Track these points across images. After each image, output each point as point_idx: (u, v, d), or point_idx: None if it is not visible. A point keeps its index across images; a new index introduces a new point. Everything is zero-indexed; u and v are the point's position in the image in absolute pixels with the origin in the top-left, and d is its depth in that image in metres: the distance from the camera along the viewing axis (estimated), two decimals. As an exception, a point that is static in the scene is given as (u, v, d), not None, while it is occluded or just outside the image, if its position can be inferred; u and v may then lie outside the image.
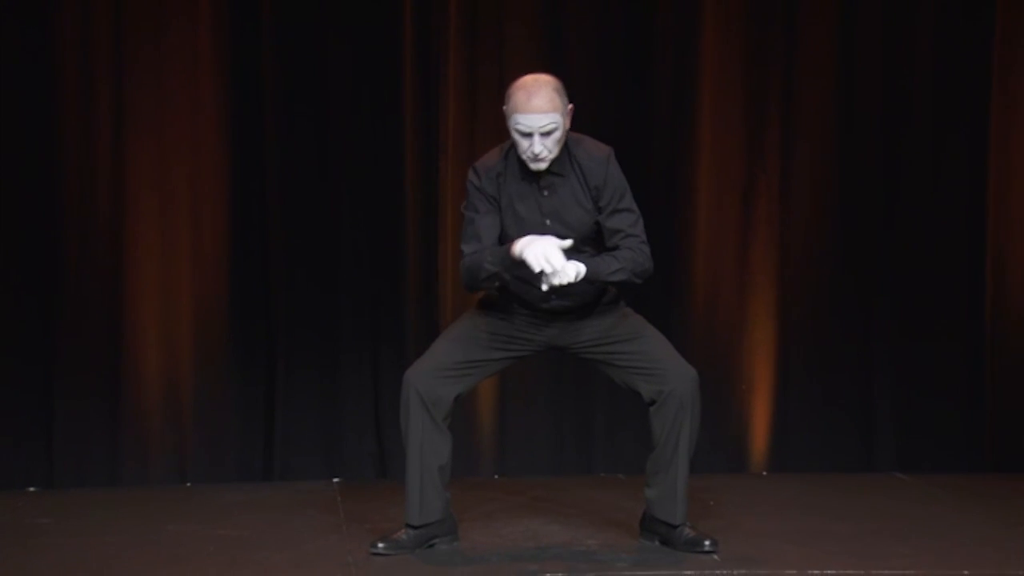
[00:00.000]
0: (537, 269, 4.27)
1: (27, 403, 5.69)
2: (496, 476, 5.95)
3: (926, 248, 6.15)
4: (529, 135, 4.41)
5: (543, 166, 4.47)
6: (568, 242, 4.34)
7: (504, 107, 4.48)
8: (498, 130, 5.84)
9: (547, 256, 4.26)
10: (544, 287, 4.31)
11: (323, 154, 5.85)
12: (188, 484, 5.78)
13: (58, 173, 5.67)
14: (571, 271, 4.28)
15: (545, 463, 6.01)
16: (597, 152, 4.56)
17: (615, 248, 4.52)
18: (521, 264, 4.32)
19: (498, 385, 5.95)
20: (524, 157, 4.46)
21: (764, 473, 6.12)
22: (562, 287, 4.34)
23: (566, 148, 4.51)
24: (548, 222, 4.50)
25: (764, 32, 6.05)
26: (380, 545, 4.63)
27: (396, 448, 5.85)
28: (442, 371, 4.58)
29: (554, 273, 4.26)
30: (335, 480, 5.86)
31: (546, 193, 4.52)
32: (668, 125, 6.04)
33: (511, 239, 4.43)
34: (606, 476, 5.98)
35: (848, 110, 6.11)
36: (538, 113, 4.39)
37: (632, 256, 4.51)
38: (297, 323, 5.84)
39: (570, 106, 4.48)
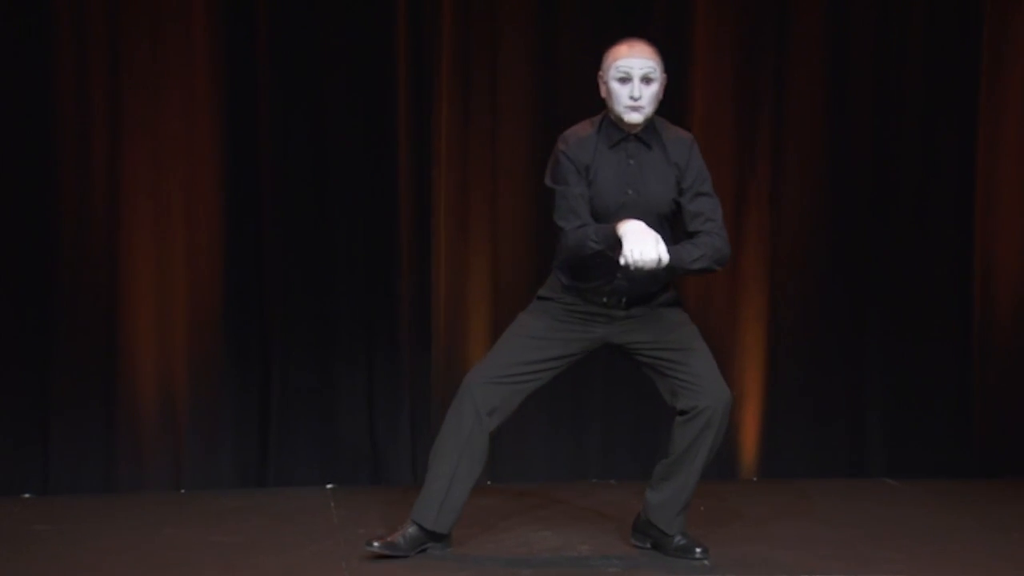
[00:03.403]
0: (627, 255, 4.27)
1: (22, 409, 5.69)
2: (489, 482, 5.95)
3: (915, 254, 6.18)
4: (629, 79, 4.48)
5: (639, 117, 4.51)
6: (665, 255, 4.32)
7: (599, 73, 4.55)
8: (492, 138, 5.91)
9: (644, 241, 4.27)
10: (622, 261, 4.29)
11: (318, 161, 5.86)
12: (183, 490, 5.78)
13: (53, 178, 5.67)
14: (654, 255, 4.29)
15: (538, 469, 6.03)
16: (682, 134, 4.65)
17: (695, 233, 4.53)
18: (620, 243, 4.33)
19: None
20: (621, 107, 4.50)
21: (755, 479, 6.14)
22: (639, 270, 4.33)
23: (652, 125, 4.57)
24: (630, 191, 4.52)
25: (755, 39, 6.08)
26: (375, 544, 4.64)
27: (390, 454, 5.90)
28: (505, 376, 4.59)
29: (639, 255, 4.27)
30: (329, 486, 5.87)
31: (631, 162, 4.55)
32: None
33: (593, 206, 4.47)
34: (598, 482, 6.00)
35: (838, 117, 6.14)
36: (641, 57, 4.49)
37: (713, 243, 4.52)
38: (292, 329, 5.85)
39: (664, 75, 4.55)
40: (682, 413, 4.62)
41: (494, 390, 4.58)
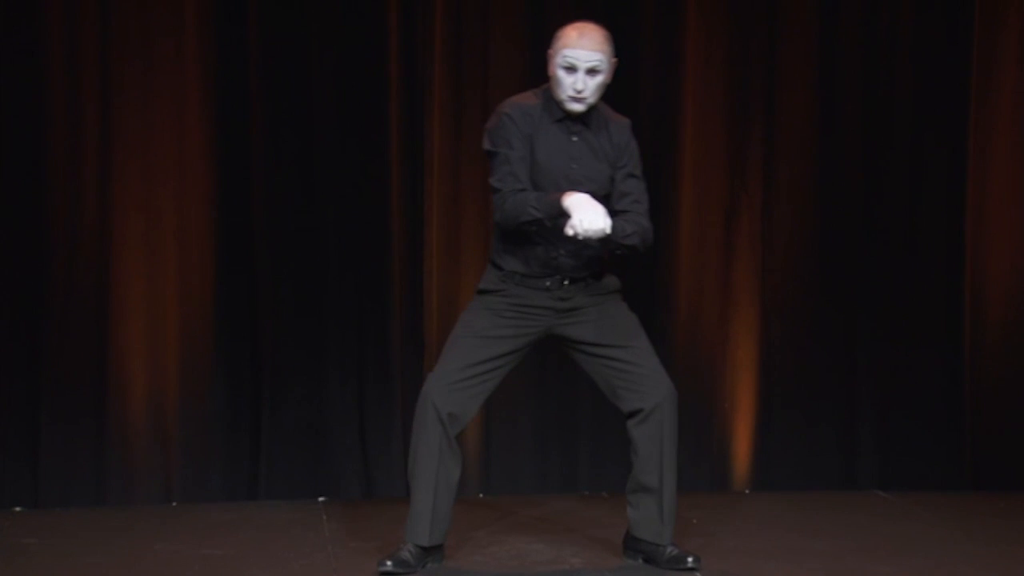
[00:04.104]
0: (575, 225, 4.31)
1: (12, 423, 5.68)
2: (481, 495, 5.96)
3: (906, 267, 6.20)
4: (575, 70, 4.49)
5: (581, 107, 4.54)
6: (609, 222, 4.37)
7: (549, 50, 4.56)
8: (484, 152, 5.92)
9: (593, 212, 4.33)
10: (569, 232, 4.33)
11: (309, 176, 5.86)
12: (174, 503, 5.78)
13: (44, 193, 5.67)
14: (601, 224, 4.33)
15: (529, 482, 6.03)
16: (623, 119, 4.71)
17: (622, 212, 4.57)
18: (564, 214, 4.37)
19: (483, 405, 5.96)
20: (564, 96, 4.52)
21: (747, 491, 6.15)
22: (582, 242, 4.38)
23: (597, 106, 4.59)
24: (574, 166, 4.56)
25: (745, 53, 6.10)
26: (388, 563, 4.60)
27: (382, 467, 5.89)
28: (462, 380, 4.58)
29: (589, 224, 4.31)
30: (321, 499, 5.87)
31: (575, 139, 4.58)
32: (651, 145, 6.06)
33: (533, 184, 4.50)
34: (590, 494, 6.01)
35: (829, 130, 6.16)
36: (588, 50, 4.49)
37: (642, 223, 4.59)
38: (283, 343, 5.85)
39: (614, 59, 4.56)
40: (630, 416, 4.65)
41: (452, 397, 4.57)
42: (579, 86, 4.50)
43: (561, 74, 4.53)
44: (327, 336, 5.89)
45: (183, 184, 5.78)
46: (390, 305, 5.91)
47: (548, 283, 4.61)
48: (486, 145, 4.61)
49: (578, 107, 4.54)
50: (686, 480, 6.01)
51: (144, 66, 5.71)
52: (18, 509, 5.67)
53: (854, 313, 6.19)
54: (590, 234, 4.34)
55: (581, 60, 4.49)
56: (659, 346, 5.97)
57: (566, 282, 4.62)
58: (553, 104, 4.58)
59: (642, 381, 4.63)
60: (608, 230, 4.36)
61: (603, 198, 4.52)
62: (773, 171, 6.15)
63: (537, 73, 5.87)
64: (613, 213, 4.50)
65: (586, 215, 4.33)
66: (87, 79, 5.69)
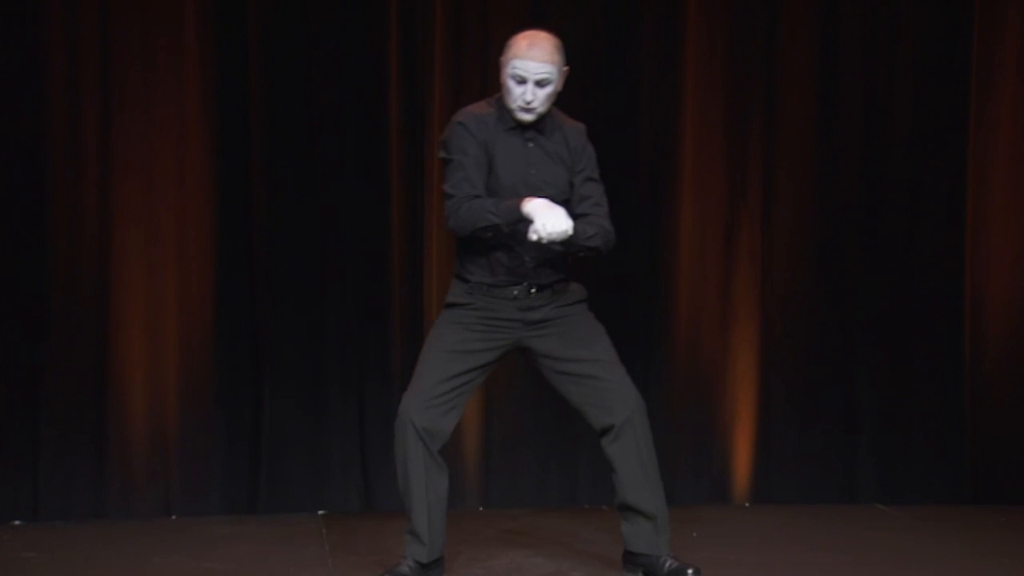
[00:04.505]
0: (537, 229, 4.32)
1: (12, 436, 5.68)
2: (481, 508, 5.96)
3: (906, 280, 6.20)
4: (524, 82, 4.50)
5: (530, 117, 4.55)
6: (570, 224, 4.38)
7: (501, 57, 4.55)
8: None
9: (555, 215, 4.33)
10: (533, 236, 4.34)
11: (309, 190, 5.87)
12: (173, 517, 5.77)
13: (44, 206, 5.67)
14: (564, 226, 4.34)
15: (529, 495, 6.03)
16: (577, 124, 4.72)
17: (583, 215, 4.57)
18: (523, 220, 4.38)
19: (482, 418, 5.98)
20: (514, 105, 4.53)
21: (747, 504, 6.14)
22: (546, 246, 4.38)
23: (552, 112, 4.61)
24: (532, 171, 4.56)
25: (745, 66, 6.11)
26: None
27: (381, 480, 5.88)
28: (437, 396, 4.57)
29: (551, 227, 4.32)
30: (320, 512, 5.87)
31: (531, 144, 4.59)
32: (650, 158, 6.09)
33: (492, 192, 4.50)
34: (590, 508, 6.00)
35: (829, 144, 6.16)
36: (537, 62, 4.49)
37: (603, 224, 4.60)
38: (282, 355, 5.85)
39: (565, 68, 4.56)
40: (602, 434, 4.65)
41: (429, 413, 4.55)
42: (528, 97, 4.51)
43: (511, 84, 4.53)
44: (327, 349, 5.89)
45: (183, 197, 5.79)
46: (390, 318, 5.91)
47: (515, 291, 4.61)
48: (441, 154, 4.63)
49: (527, 117, 4.55)
50: (686, 493, 6.04)
51: (144, 79, 5.72)
52: (17, 522, 5.66)
53: (854, 326, 6.19)
54: (554, 237, 4.34)
55: (531, 72, 4.50)
56: (659, 360, 6.05)
57: (533, 290, 4.61)
58: (506, 112, 4.59)
59: (607, 395, 4.63)
60: (571, 231, 4.37)
61: (563, 203, 4.53)
62: (773, 185, 6.15)
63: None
64: (574, 217, 4.51)
65: (548, 218, 4.34)
66: (87, 92, 5.69)
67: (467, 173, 4.51)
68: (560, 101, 5.83)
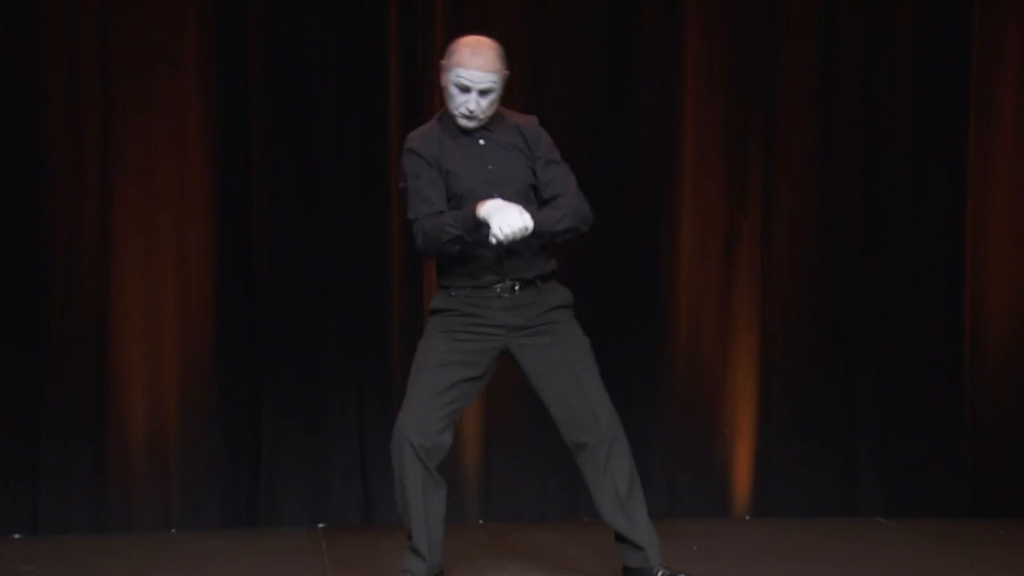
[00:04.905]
0: (496, 231, 4.31)
1: (11, 449, 5.69)
2: (481, 522, 5.96)
3: (906, 291, 6.19)
4: (468, 90, 4.48)
5: (473, 124, 4.54)
6: (531, 222, 4.37)
7: (443, 61, 4.53)
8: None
9: (508, 214, 4.32)
10: (493, 240, 4.33)
11: (309, 201, 5.87)
12: (173, 530, 5.77)
13: (45, 217, 5.69)
14: (520, 223, 4.33)
15: (529, 509, 6.02)
16: (527, 116, 4.69)
17: (552, 199, 4.56)
18: (482, 225, 4.37)
19: (482, 432, 5.97)
20: (457, 112, 4.52)
21: (747, 517, 6.14)
22: (512, 243, 4.37)
23: (499, 112, 4.60)
24: (490, 167, 4.55)
25: (745, 77, 6.11)
26: None
27: (382, 492, 5.88)
28: (432, 412, 4.55)
29: (508, 227, 4.31)
30: (320, 525, 5.86)
31: (482, 142, 4.58)
32: (651, 170, 6.09)
33: (457, 197, 4.49)
34: (590, 521, 5.98)
35: (829, 156, 6.16)
36: (480, 71, 4.47)
37: (570, 203, 4.56)
38: (282, 369, 5.85)
39: (506, 73, 4.55)
40: (574, 450, 4.64)
41: (425, 429, 4.53)
42: (471, 106, 4.50)
43: (454, 91, 4.52)
44: (327, 362, 5.89)
45: (184, 209, 5.79)
46: (390, 329, 5.90)
47: (499, 288, 4.59)
48: (400, 184, 4.62)
49: (470, 124, 4.54)
50: (686, 506, 6.04)
51: (144, 89, 5.73)
52: (17, 536, 5.66)
53: (854, 339, 6.18)
54: (514, 235, 4.33)
55: (475, 81, 4.48)
56: (659, 372, 6.04)
57: (517, 287, 4.60)
58: (451, 120, 4.57)
59: (579, 416, 4.60)
60: (530, 225, 4.35)
61: (531, 189, 4.54)
62: (773, 197, 6.15)
63: (534, 95, 5.92)
64: (543, 202, 4.51)
65: (503, 218, 4.33)
66: (87, 103, 5.70)
67: (423, 194, 4.51)
68: (562, 110, 5.84)
